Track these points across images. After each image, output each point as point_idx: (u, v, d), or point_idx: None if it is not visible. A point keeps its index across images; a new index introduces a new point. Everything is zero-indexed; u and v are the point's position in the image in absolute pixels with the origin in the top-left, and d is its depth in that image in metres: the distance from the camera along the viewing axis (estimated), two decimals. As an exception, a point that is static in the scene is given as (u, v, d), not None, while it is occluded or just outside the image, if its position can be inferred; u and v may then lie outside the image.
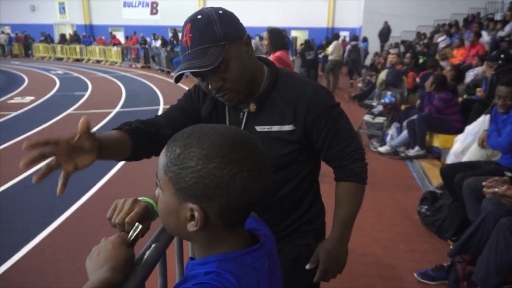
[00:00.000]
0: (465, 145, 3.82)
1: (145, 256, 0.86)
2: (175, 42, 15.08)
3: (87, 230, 3.35)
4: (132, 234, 0.81)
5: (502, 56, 5.11)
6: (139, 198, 0.91)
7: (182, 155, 0.63)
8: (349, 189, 1.25)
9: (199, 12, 1.07)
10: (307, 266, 1.22)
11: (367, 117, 5.94)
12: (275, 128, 1.18)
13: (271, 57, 4.06)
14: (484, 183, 2.23)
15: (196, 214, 0.63)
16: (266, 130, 1.18)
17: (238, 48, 1.07)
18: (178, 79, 1.10)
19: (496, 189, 2.18)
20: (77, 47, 20.56)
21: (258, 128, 1.19)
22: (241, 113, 1.21)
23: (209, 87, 1.09)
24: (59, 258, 2.93)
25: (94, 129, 6.57)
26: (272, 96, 1.18)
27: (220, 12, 1.06)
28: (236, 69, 1.07)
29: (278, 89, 1.18)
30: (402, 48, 11.80)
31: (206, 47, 1.02)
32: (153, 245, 0.89)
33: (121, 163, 4.88)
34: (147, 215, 0.90)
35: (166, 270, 1.00)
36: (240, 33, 1.08)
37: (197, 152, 0.63)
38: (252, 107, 1.18)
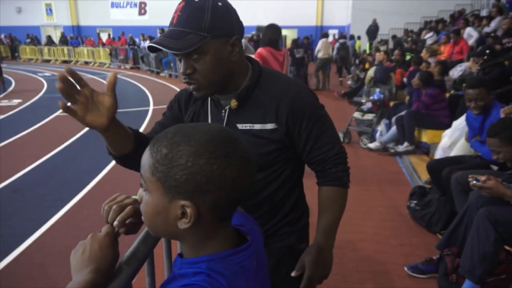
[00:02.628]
0: (453, 139, 3.86)
1: (132, 256, 0.85)
2: (164, 42, 14.96)
3: (77, 233, 3.33)
4: (116, 230, 0.81)
5: (487, 51, 5.19)
6: (133, 197, 0.90)
7: (170, 154, 0.64)
8: (331, 194, 1.23)
9: None
10: (293, 274, 1.21)
11: (357, 114, 5.98)
12: (257, 126, 1.16)
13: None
14: (469, 176, 2.28)
15: (188, 210, 0.64)
16: (248, 128, 1.17)
17: (220, 45, 1.05)
18: (152, 49, 1.07)
19: (475, 182, 2.23)
20: (65, 48, 20.35)
21: (240, 126, 1.17)
22: (223, 111, 1.20)
23: (181, 69, 1.09)
24: (49, 262, 2.90)
25: (83, 132, 6.53)
26: (255, 94, 1.17)
27: (220, 4, 1.04)
28: (209, 64, 1.05)
29: (261, 88, 1.17)
30: (391, 45, 11.89)
31: (186, 31, 1.01)
32: (139, 245, 0.89)
33: (110, 166, 4.86)
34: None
35: (154, 270, 1.00)
36: (228, 32, 1.06)
37: (185, 150, 0.64)
38: (234, 103, 1.16)
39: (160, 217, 0.68)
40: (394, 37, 13.59)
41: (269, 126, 1.16)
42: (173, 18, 1.04)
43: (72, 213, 3.70)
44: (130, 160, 1.14)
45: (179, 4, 1.05)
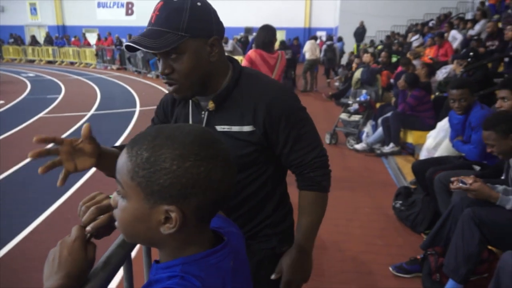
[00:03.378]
0: (437, 140, 3.90)
1: (108, 260, 0.83)
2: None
3: (59, 237, 3.21)
4: (87, 235, 0.78)
5: (471, 54, 5.26)
6: (111, 196, 0.86)
7: (152, 158, 0.62)
8: (310, 199, 1.22)
9: None
10: (272, 276, 1.21)
11: (344, 116, 6.01)
12: (235, 128, 1.15)
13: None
14: (452, 179, 2.29)
15: (173, 215, 0.62)
16: (226, 130, 1.15)
17: (198, 45, 1.05)
18: (130, 49, 1.06)
19: (461, 184, 2.25)
20: (50, 48, 20.06)
21: (218, 128, 1.16)
22: (203, 112, 1.19)
23: (160, 69, 1.09)
24: (31, 267, 2.84)
25: (67, 133, 6.43)
26: (234, 96, 1.15)
27: (198, 4, 1.04)
28: (188, 64, 1.05)
29: (240, 89, 1.16)
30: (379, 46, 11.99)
31: (164, 31, 1.01)
32: (115, 249, 0.87)
33: (94, 169, 4.78)
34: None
35: (132, 275, 0.97)
36: (207, 32, 1.06)
37: (169, 152, 0.62)
38: (211, 105, 1.16)
39: (140, 224, 0.65)
40: (384, 40, 13.73)
41: (247, 128, 1.14)
42: (151, 17, 1.04)
43: (55, 217, 3.63)
44: None
45: (158, 3, 1.04)
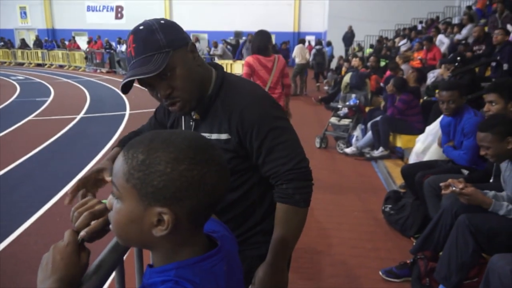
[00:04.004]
0: (426, 145, 3.95)
1: (100, 264, 0.83)
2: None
3: (48, 240, 3.24)
4: (80, 239, 0.78)
5: (458, 58, 5.34)
6: (103, 201, 0.87)
7: (148, 160, 0.63)
8: (281, 212, 1.17)
9: (141, 23, 1.09)
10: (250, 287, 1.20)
11: (333, 120, 6.05)
12: (214, 136, 1.17)
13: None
14: (441, 184, 2.30)
15: (165, 217, 0.63)
16: (206, 137, 1.14)
17: (183, 55, 1.08)
18: (125, 90, 1.10)
19: (453, 188, 2.25)
20: (39, 51, 19.88)
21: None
22: (191, 120, 1.23)
23: (159, 96, 1.10)
24: (20, 270, 2.81)
25: (56, 136, 6.37)
26: (215, 104, 1.18)
27: (162, 21, 1.08)
28: (183, 76, 1.08)
29: (221, 98, 1.17)
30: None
31: (150, 55, 1.03)
32: (108, 253, 0.87)
33: (84, 171, 4.76)
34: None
35: (124, 279, 0.98)
36: (184, 41, 1.09)
37: (164, 156, 0.63)
38: (196, 115, 1.20)
39: (134, 225, 0.66)
40: (372, 46, 13.87)
41: (224, 136, 1.16)
42: (129, 53, 1.07)
43: (43, 220, 3.60)
44: None
45: (128, 39, 1.08)
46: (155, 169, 0.63)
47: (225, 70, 1.25)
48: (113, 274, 0.93)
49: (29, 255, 3.02)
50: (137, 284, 1.11)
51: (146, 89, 1.13)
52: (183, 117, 1.26)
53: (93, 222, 0.80)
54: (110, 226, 0.71)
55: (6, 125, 7.19)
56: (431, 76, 6.32)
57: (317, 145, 5.84)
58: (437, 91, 5.55)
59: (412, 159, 4.10)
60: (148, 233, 0.65)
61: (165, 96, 1.09)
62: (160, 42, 1.04)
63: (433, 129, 3.99)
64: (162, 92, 1.08)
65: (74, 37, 20.45)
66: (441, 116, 3.94)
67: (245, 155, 1.18)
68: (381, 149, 5.11)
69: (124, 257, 0.98)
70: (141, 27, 1.07)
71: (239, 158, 1.18)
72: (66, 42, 20.17)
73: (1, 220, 3.58)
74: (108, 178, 1.11)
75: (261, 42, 3.85)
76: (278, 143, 1.15)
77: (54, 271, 0.73)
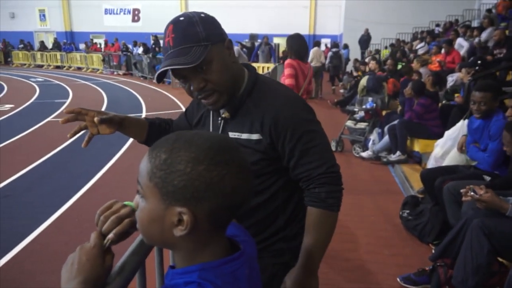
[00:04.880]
0: (445, 149, 3.89)
1: (124, 266, 0.84)
2: (157, 49, 15.02)
3: (67, 239, 3.28)
4: (106, 242, 0.79)
5: (479, 62, 5.25)
6: (125, 203, 0.86)
7: (169, 160, 0.64)
8: (313, 216, 1.16)
9: (181, 14, 1.09)
10: None
11: (349, 123, 6.01)
12: (244, 136, 1.16)
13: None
14: (462, 191, 2.27)
15: (185, 217, 0.63)
16: (236, 136, 1.17)
17: (220, 50, 1.08)
18: (159, 79, 1.12)
19: (472, 193, 2.23)
20: (58, 54, 20.27)
21: (231, 134, 1.18)
22: (219, 119, 1.22)
23: (191, 88, 1.10)
24: (39, 269, 2.85)
25: (73, 139, 6.45)
26: (247, 103, 1.17)
27: (202, 15, 1.08)
28: (218, 70, 1.08)
29: (253, 97, 1.17)
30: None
31: (189, 46, 1.03)
32: (131, 255, 0.87)
33: (101, 172, 4.84)
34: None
35: (145, 281, 0.98)
36: (222, 36, 1.10)
37: (185, 155, 0.63)
38: (226, 114, 1.19)
39: (156, 224, 0.67)
40: (392, 45, 13.73)
41: (255, 136, 1.15)
42: (167, 42, 1.06)
43: (63, 219, 3.65)
44: (149, 143, 1.31)
45: (167, 29, 1.07)
46: (175, 168, 0.63)
47: None
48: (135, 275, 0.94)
49: (48, 254, 3.07)
50: (157, 286, 1.11)
51: (179, 81, 1.14)
52: (210, 115, 1.26)
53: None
54: (137, 225, 0.72)
55: (26, 126, 7.35)
56: (450, 80, 6.22)
57: (333, 148, 5.80)
58: (456, 95, 5.49)
59: (431, 163, 4.04)
60: (169, 232, 0.66)
61: (198, 89, 1.09)
62: (200, 35, 1.04)
63: (453, 134, 3.93)
64: (195, 85, 1.08)
65: (92, 40, 20.77)
66: (460, 120, 3.89)
67: (274, 157, 1.17)
68: (398, 153, 5.05)
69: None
70: (181, 18, 1.07)
71: (268, 160, 1.17)
72: (90, 45, 20.52)
73: (21, 219, 3.65)
74: (96, 119, 1.17)
75: (301, 47, 3.87)
76: (311, 146, 1.14)
77: (79, 272, 0.73)
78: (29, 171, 4.96)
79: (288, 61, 3.92)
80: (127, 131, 1.29)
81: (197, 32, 1.04)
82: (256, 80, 1.19)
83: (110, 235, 0.78)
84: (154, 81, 1.14)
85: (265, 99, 1.16)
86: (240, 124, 1.17)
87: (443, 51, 7.90)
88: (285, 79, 3.87)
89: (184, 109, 1.46)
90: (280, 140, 1.14)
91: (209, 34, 1.05)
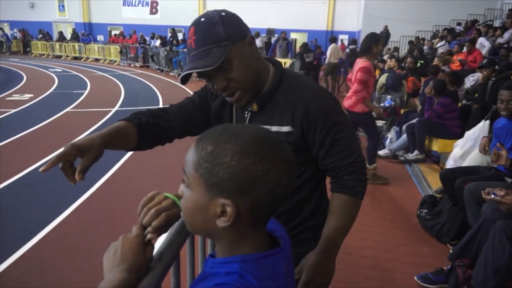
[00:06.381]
0: (465, 150, 3.85)
1: (162, 257, 0.86)
2: (174, 42, 15.09)
3: (87, 228, 3.35)
4: (146, 234, 0.81)
5: (497, 67, 5.15)
6: (166, 194, 0.88)
7: (215, 152, 0.65)
8: (340, 201, 1.19)
9: (202, 15, 1.11)
10: None
11: (367, 121, 5.95)
12: (274, 128, 1.18)
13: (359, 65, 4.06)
14: (483, 192, 2.26)
15: (228, 209, 0.65)
16: None
17: (241, 48, 1.10)
18: (184, 81, 1.14)
19: (493, 196, 2.22)
20: (76, 45, 20.51)
21: None
22: (246, 112, 1.23)
23: (215, 87, 1.13)
24: (59, 257, 2.92)
25: (92, 129, 6.56)
26: (275, 97, 1.19)
27: (223, 14, 1.10)
28: (240, 68, 1.10)
29: (281, 90, 1.19)
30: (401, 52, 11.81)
31: (209, 48, 1.06)
32: (168, 245, 0.90)
33: (120, 162, 4.90)
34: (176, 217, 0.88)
35: (179, 271, 1.00)
36: (243, 33, 1.11)
37: (231, 148, 0.64)
38: (254, 106, 1.20)
39: (199, 214, 0.68)
40: (417, 39, 13.53)
41: (285, 128, 1.17)
42: (190, 44, 1.09)
43: (82, 209, 3.72)
44: (140, 147, 1.24)
45: (189, 31, 1.10)
46: (221, 160, 0.64)
47: None
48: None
49: (68, 242, 3.13)
50: (188, 276, 1.13)
51: (204, 80, 1.15)
52: (234, 109, 1.27)
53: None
54: (181, 213, 0.74)
55: (45, 116, 7.48)
56: (471, 80, 6.13)
57: (360, 151, 5.75)
58: (477, 95, 5.39)
59: (450, 164, 4.00)
60: (212, 223, 0.67)
61: (221, 87, 1.12)
62: (220, 35, 1.06)
63: (473, 134, 3.89)
64: (218, 84, 1.11)
65: (110, 31, 20.97)
66: (481, 121, 3.84)
67: (304, 148, 1.19)
68: (416, 152, 5.00)
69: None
70: (202, 19, 1.09)
71: (297, 151, 1.19)
72: (112, 36, 20.72)
73: (41, 208, 3.73)
74: (78, 177, 1.01)
75: (369, 44, 4.03)
76: (340, 137, 1.17)
77: (122, 260, 0.75)
78: (49, 161, 5.05)
79: (365, 64, 3.96)
80: (114, 145, 1.12)
81: (217, 32, 1.06)
82: (282, 74, 1.21)
83: (149, 228, 0.81)
84: (179, 82, 1.14)
85: (294, 92, 1.18)
86: (269, 117, 1.19)
87: (464, 49, 7.76)
88: (355, 84, 3.99)
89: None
90: (311, 131, 1.16)
91: (229, 34, 1.07)
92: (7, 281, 2.65)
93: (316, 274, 1.17)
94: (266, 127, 1.17)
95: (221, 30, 1.06)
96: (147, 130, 1.22)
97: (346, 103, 4.20)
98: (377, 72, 10.03)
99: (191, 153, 0.69)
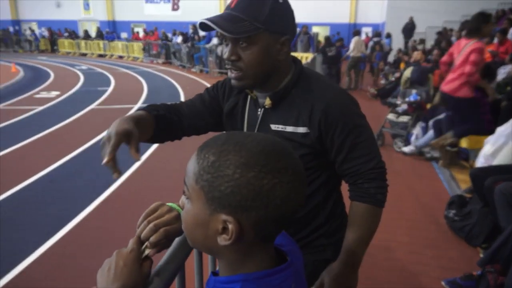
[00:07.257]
0: (496, 147, 3.65)
1: (162, 270, 0.81)
2: (196, 38, 15.13)
3: (108, 225, 3.37)
4: (144, 249, 0.76)
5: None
6: (169, 204, 0.83)
7: (217, 163, 0.59)
8: (361, 211, 1.14)
9: None
10: None
11: (391, 116, 5.79)
12: (289, 128, 1.13)
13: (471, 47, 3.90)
14: None
15: (230, 226, 0.59)
16: (280, 129, 1.13)
17: (270, 41, 1.05)
18: (202, 27, 1.06)
19: None
20: (100, 42, 20.88)
21: (273, 127, 1.15)
22: (259, 109, 1.18)
23: (225, 55, 1.08)
24: (80, 255, 2.95)
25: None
26: (292, 95, 1.13)
27: (281, 1, 1.05)
28: (255, 56, 1.05)
29: (299, 89, 1.13)
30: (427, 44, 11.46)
31: (242, 18, 1.01)
32: (170, 259, 0.84)
33: (142, 159, 4.92)
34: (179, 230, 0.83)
35: (184, 285, 0.95)
36: (282, 30, 1.06)
37: (234, 159, 0.58)
38: (268, 102, 1.14)
39: (200, 229, 0.63)
40: (439, 33, 13.11)
41: (301, 129, 1.11)
42: (232, 1, 1.04)
43: (104, 206, 3.75)
44: (156, 139, 1.21)
45: None
46: (223, 173, 0.58)
47: None
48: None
49: (89, 240, 3.16)
50: (197, 288, 1.08)
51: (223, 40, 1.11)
52: (247, 104, 1.22)
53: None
54: (182, 226, 0.68)
55: (72, 112, 7.64)
56: (502, 72, 5.85)
57: (381, 154, 5.61)
58: (508, 88, 5.14)
59: (480, 162, 3.81)
60: (213, 239, 0.62)
61: (228, 58, 1.07)
62: (260, 15, 1.01)
63: (505, 130, 3.68)
64: (228, 54, 1.07)
65: (133, 29, 21.24)
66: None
67: (320, 151, 1.14)
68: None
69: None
70: None
71: (313, 154, 1.14)
72: (142, 34, 20.99)
73: (66, 203, 3.79)
74: (135, 155, 1.01)
75: (481, 24, 3.91)
76: (360, 141, 1.12)
77: (116, 278, 0.71)
78: (74, 157, 5.14)
79: (479, 45, 3.80)
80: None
81: (260, 10, 1.01)
82: (301, 72, 1.15)
83: (147, 243, 0.76)
84: (198, 25, 1.08)
85: (312, 91, 1.12)
86: (284, 116, 1.14)
87: (495, 40, 7.43)
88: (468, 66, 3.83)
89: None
90: (329, 133, 1.10)
91: (269, 20, 1.01)
92: (29, 277, 2.69)
93: (338, 286, 1.13)
94: (280, 126, 1.13)
95: (266, 11, 1.01)
96: (163, 123, 1.19)
97: (447, 87, 4.00)
98: (402, 65, 9.77)
99: (192, 162, 0.63)
